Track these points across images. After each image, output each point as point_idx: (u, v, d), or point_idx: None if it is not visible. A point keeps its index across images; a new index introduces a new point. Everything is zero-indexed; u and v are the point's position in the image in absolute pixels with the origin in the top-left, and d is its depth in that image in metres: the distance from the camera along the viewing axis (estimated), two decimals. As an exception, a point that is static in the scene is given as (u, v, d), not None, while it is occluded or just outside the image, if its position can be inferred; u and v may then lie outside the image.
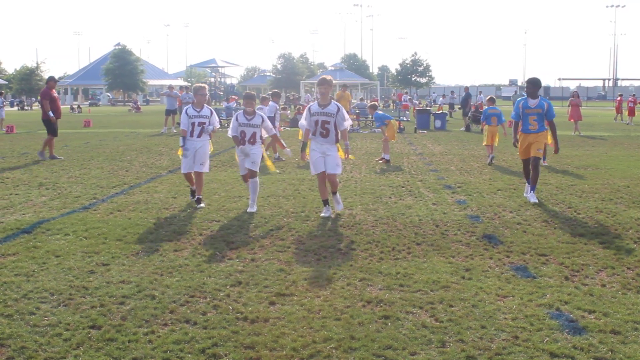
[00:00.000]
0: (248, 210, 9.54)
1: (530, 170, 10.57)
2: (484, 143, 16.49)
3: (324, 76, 9.46)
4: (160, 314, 5.23)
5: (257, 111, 9.93)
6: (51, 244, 7.50)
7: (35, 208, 9.76)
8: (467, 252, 7.23)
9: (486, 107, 16.96)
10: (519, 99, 10.91)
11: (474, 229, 8.38)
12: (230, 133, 9.89)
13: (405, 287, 5.93)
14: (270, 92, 18.45)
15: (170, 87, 31.19)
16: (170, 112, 28.53)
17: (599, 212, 9.52)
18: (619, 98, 40.94)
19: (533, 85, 10.73)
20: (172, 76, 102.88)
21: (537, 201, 10.27)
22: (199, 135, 9.98)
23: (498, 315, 5.22)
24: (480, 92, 52.34)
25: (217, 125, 10.43)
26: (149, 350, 4.54)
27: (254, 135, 9.68)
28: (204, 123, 10.03)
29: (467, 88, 34.36)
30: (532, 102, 10.61)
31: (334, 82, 9.97)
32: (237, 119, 9.78)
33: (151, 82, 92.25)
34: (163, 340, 4.71)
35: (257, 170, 9.78)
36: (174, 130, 27.09)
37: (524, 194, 10.81)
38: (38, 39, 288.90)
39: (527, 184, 10.83)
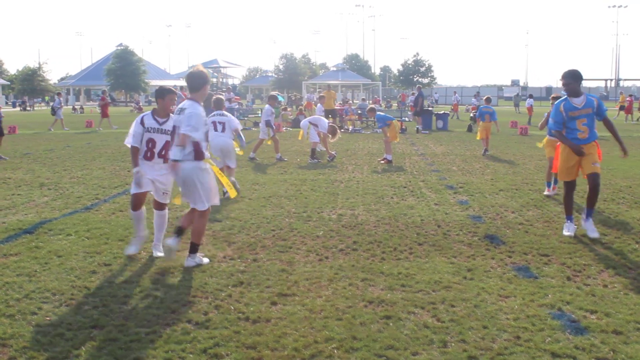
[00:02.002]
0: (155, 254, 7.11)
1: (588, 191, 7.99)
2: (478, 137, 18.66)
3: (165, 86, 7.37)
4: (162, 314, 5.24)
5: (172, 115, 7.03)
6: (53, 244, 7.50)
7: (37, 208, 9.78)
8: (469, 252, 7.23)
9: (481, 106, 19.39)
10: (557, 102, 8.27)
11: (476, 229, 8.37)
12: (129, 141, 7.14)
13: (407, 288, 5.93)
14: (272, 94, 18.56)
15: (175, 88, 31.35)
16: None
17: (601, 212, 9.51)
18: (629, 98, 41.02)
19: (573, 78, 8.05)
20: (174, 77, 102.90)
21: (597, 235, 7.84)
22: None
23: (500, 315, 5.22)
24: (455, 92, 52.45)
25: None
26: (150, 350, 4.54)
27: (166, 146, 7.02)
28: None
29: (419, 87, 34.86)
30: (578, 101, 8.01)
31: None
32: (142, 122, 7.06)
33: (153, 82, 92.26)
34: (165, 340, 4.71)
35: (168, 202, 7.38)
36: None
37: (564, 231, 8.15)
38: (40, 39, 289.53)
39: (566, 220, 8.25)
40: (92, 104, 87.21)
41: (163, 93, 7.16)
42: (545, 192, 11.03)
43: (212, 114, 11.82)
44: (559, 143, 8.41)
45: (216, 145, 11.19)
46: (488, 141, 18.63)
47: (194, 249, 6.66)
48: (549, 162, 10.76)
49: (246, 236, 7.98)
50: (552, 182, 11.01)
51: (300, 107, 36.79)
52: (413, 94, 56.82)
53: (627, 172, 14.03)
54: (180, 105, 6.64)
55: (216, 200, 6.85)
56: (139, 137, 7.07)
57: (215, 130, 11.51)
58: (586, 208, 8.09)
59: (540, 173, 13.93)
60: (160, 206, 7.28)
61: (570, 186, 8.23)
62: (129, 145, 7.13)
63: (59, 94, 35.71)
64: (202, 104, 6.70)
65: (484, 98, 20.37)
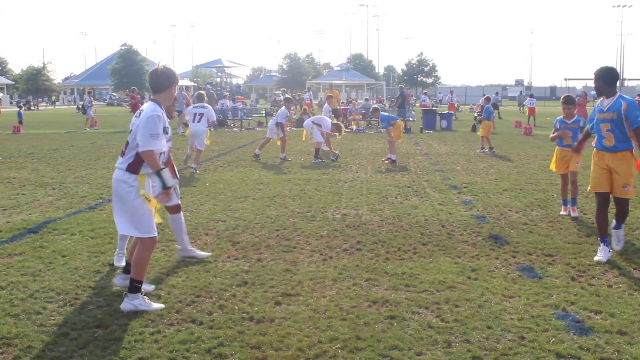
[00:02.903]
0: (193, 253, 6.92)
1: (616, 211, 7.19)
2: (482, 134, 19.52)
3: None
4: (166, 314, 5.24)
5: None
6: (57, 243, 7.52)
7: (41, 208, 9.79)
8: (473, 252, 7.22)
9: (487, 105, 20.45)
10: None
11: (480, 229, 8.36)
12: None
13: (411, 288, 5.93)
14: (287, 97, 18.68)
15: (181, 89, 31.62)
16: (180, 113, 28.87)
17: (606, 212, 9.48)
18: (638, 98, 40.81)
19: (599, 76, 6.98)
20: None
21: (619, 248, 7.19)
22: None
23: (504, 315, 5.21)
24: (452, 92, 52.45)
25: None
26: (155, 350, 4.55)
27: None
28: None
29: (401, 87, 35.38)
30: (605, 103, 6.95)
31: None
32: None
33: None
34: (169, 340, 4.72)
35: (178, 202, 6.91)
36: (182, 131, 27.37)
37: (596, 256, 6.90)
38: (44, 39, 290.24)
39: (600, 243, 6.98)
40: (96, 103, 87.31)
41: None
42: (561, 212, 9.39)
43: (194, 105, 14.84)
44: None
45: (191, 132, 14.36)
46: (489, 140, 19.33)
47: (133, 287, 5.33)
48: (561, 179, 9.56)
49: (250, 236, 7.98)
50: (570, 203, 9.36)
51: (304, 107, 36.79)
52: (425, 93, 56.76)
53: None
54: (142, 107, 5.57)
55: (151, 231, 5.39)
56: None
57: (193, 121, 14.37)
58: (615, 221, 7.26)
59: (545, 173, 13.91)
60: (174, 209, 6.82)
61: (601, 200, 7.02)
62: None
63: (89, 93, 35.83)
64: (164, 107, 5.56)
65: (484, 97, 21.39)
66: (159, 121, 5.34)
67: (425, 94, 52.69)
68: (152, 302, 5.38)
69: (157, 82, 5.54)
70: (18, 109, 33.02)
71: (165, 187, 5.37)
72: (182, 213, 6.95)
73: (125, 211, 5.34)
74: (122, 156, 5.45)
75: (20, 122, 30.77)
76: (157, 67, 5.58)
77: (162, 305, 5.38)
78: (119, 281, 5.86)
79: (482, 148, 19.24)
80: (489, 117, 19.58)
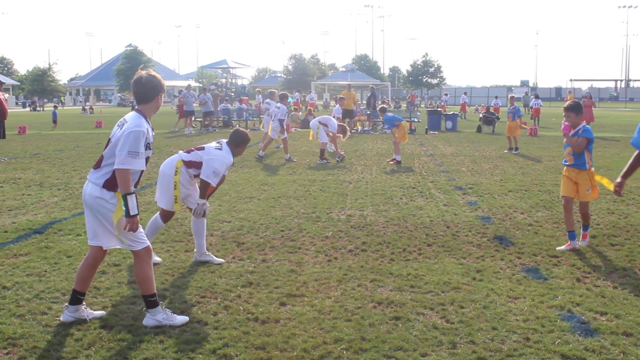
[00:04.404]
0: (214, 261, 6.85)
1: None
2: (517, 134, 19.54)
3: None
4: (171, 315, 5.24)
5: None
6: (63, 244, 7.53)
7: (47, 208, 9.82)
8: (478, 253, 7.21)
9: (515, 105, 20.23)
10: None
11: (485, 230, 8.35)
12: (215, 181, 6.71)
13: (416, 288, 5.92)
14: (283, 93, 18.58)
15: (188, 88, 31.82)
16: (189, 114, 28.94)
17: (611, 213, 9.46)
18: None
19: None
20: (183, 77, 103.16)
21: None
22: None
23: (509, 316, 5.20)
24: (465, 92, 52.28)
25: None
26: (160, 350, 4.55)
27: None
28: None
29: (372, 88, 35.46)
30: None
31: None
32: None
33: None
34: (174, 340, 4.72)
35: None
36: (193, 132, 27.58)
37: None
38: (50, 40, 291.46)
39: None
40: (102, 104, 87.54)
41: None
42: (562, 247, 7.41)
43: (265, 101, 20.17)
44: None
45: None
46: (511, 140, 19.53)
47: (149, 303, 5.03)
48: (564, 204, 7.63)
49: (255, 237, 7.98)
50: (582, 229, 7.63)
51: (310, 107, 36.83)
52: (446, 94, 56.38)
53: (637, 174, 13.91)
54: (124, 117, 5.11)
55: (142, 240, 5.01)
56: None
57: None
58: None
59: (550, 174, 13.89)
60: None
61: None
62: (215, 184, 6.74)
63: None
64: (149, 118, 5.11)
65: (509, 97, 21.47)
66: (142, 137, 4.81)
67: (446, 94, 52.45)
68: (175, 315, 5.10)
69: (142, 91, 5.01)
70: (53, 109, 34.02)
71: (128, 215, 4.75)
72: (205, 217, 6.92)
73: (107, 228, 4.96)
74: (95, 169, 4.96)
75: (55, 122, 32.35)
76: (141, 74, 5.04)
77: (186, 318, 5.11)
78: (66, 316, 5.09)
79: (516, 148, 19.23)
80: (514, 117, 19.64)
